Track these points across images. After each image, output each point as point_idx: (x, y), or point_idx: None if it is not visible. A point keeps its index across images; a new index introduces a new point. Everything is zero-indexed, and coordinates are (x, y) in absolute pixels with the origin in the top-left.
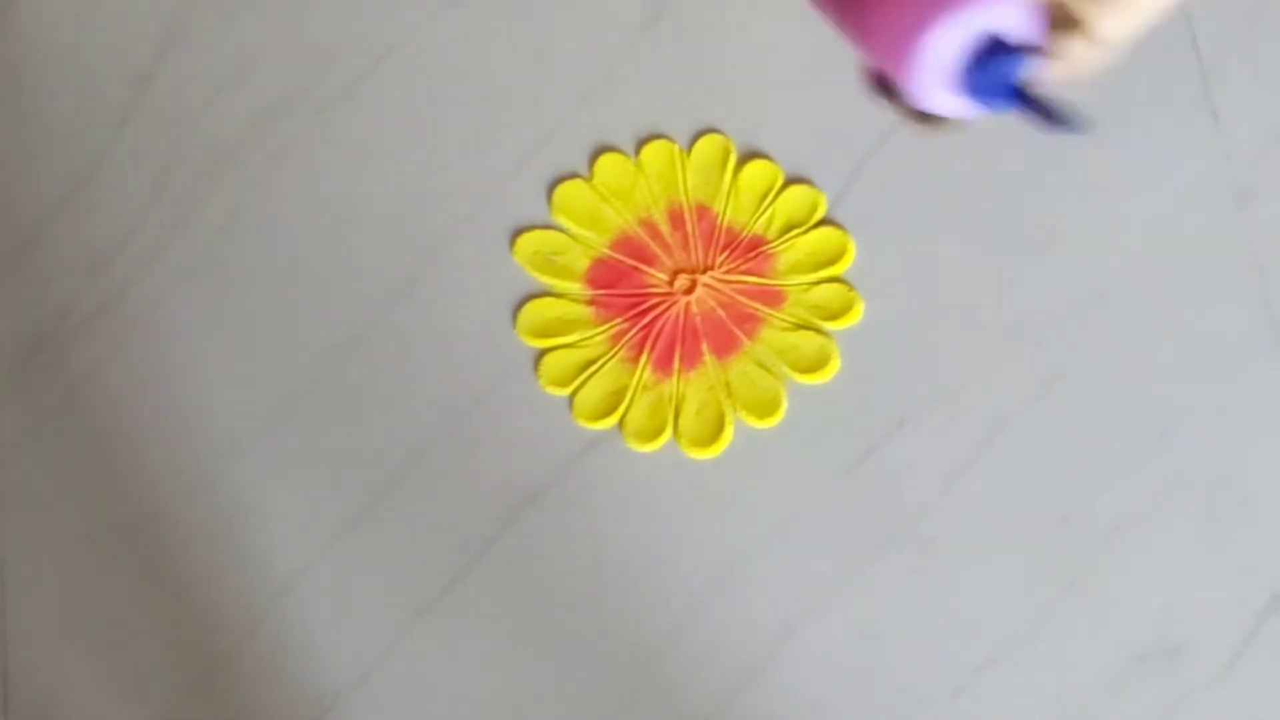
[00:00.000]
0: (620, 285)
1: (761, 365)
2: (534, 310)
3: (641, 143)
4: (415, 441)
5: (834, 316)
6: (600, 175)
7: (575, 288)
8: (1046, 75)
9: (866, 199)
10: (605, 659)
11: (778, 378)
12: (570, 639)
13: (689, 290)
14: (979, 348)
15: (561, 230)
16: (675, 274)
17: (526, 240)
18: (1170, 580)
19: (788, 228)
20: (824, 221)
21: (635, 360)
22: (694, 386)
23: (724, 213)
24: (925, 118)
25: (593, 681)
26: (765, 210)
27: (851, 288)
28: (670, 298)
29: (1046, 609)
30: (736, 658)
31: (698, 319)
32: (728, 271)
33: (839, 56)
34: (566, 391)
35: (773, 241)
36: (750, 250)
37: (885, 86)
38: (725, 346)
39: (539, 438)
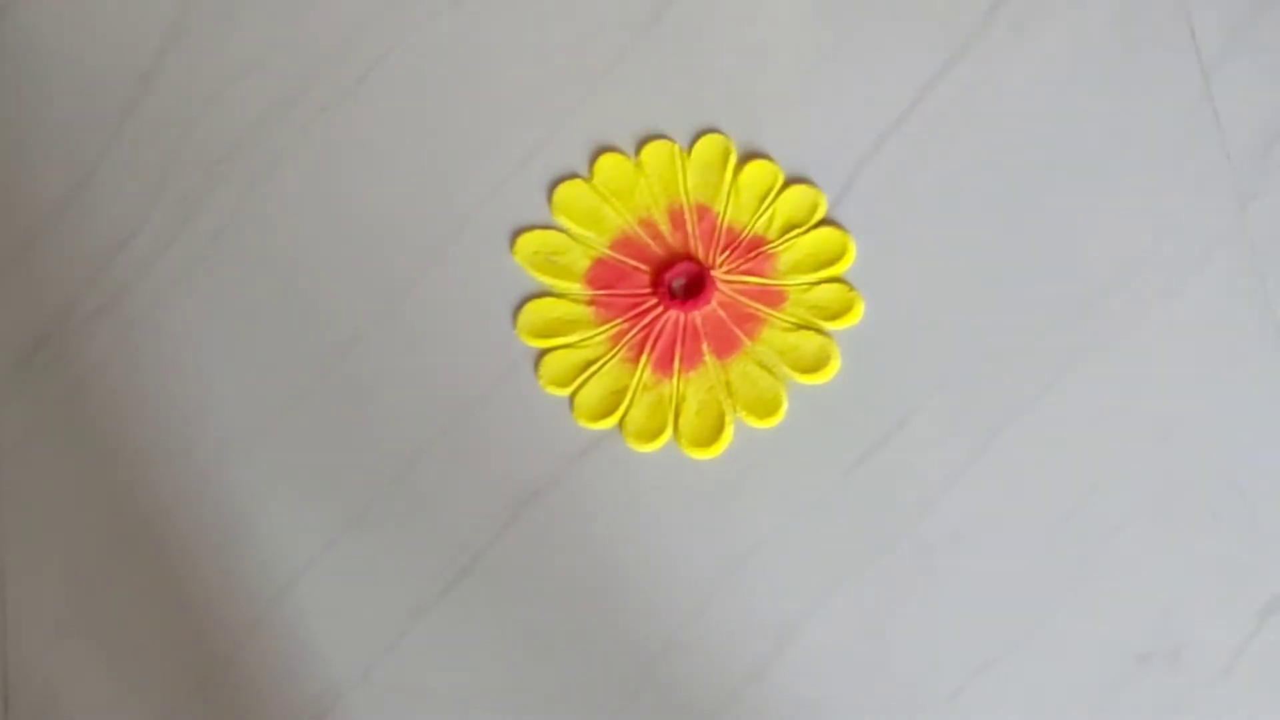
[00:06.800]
0: (621, 285)
1: (762, 365)
2: (534, 310)
3: (641, 143)
4: (415, 441)
5: (834, 316)
6: (600, 175)
7: (575, 288)
8: None
9: (866, 199)
10: (605, 659)
11: (778, 378)
12: (571, 639)
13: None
14: (979, 348)
15: (561, 230)
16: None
17: (526, 240)
18: (1170, 580)
19: (788, 228)
20: (824, 221)
21: (635, 360)
22: (694, 386)
23: (724, 213)
24: None
25: (593, 681)
26: (765, 210)
27: (851, 288)
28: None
29: (1046, 609)
30: (737, 657)
31: (698, 319)
32: (728, 272)
33: (839, 57)
34: (567, 391)
35: (773, 241)
36: (750, 250)
37: None
38: (726, 347)
39: (539, 438)
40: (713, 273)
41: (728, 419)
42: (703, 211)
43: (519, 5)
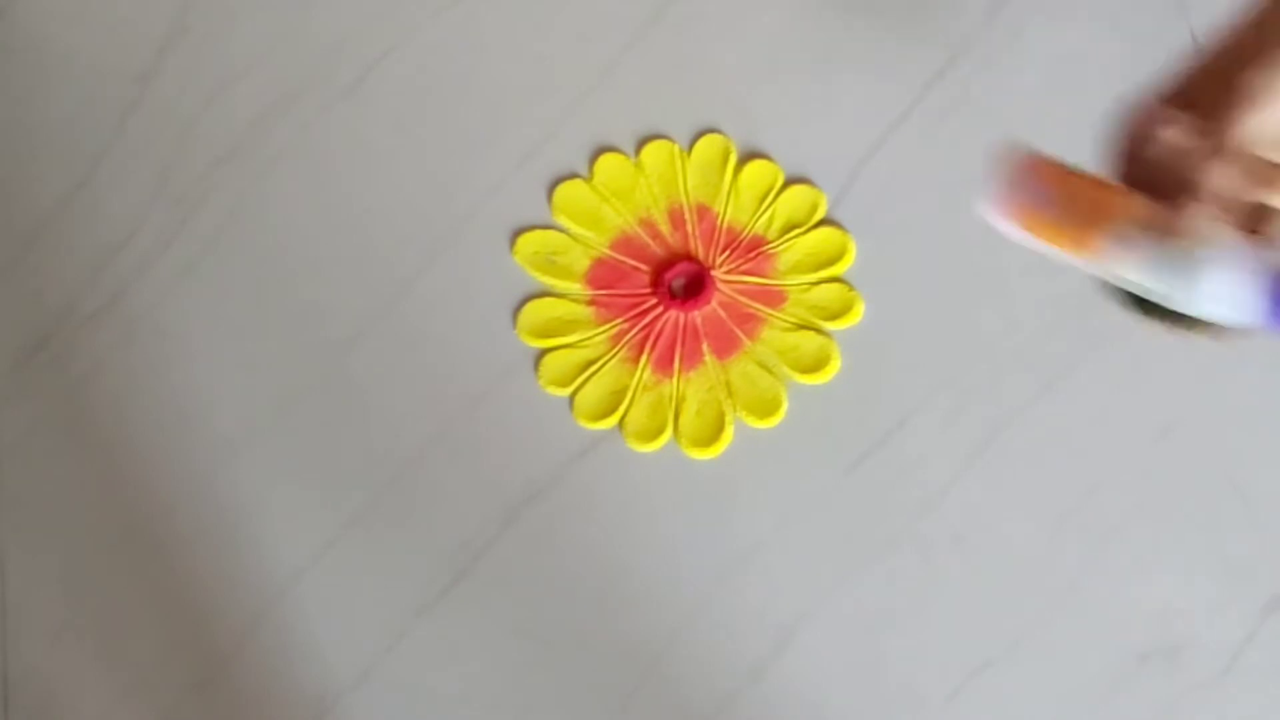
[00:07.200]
0: (620, 285)
1: (762, 365)
2: (534, 310)
3: (641, 143)
4: (415, 441)
5: (834, 316)
6: (600, 175)
7: (575, 288)
8: None
9: (866, 199)
10: (605, 659)
11: (778, 378)
12: (571, 639)
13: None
14: (979, 348)
15: (561, 230)
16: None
17: (526, 240)
18: (1170, 580)
19: (788, 228)
20: (824, 221)
21: (635, 360)
22: (694, 386)
23: (724, 213)
24: (1208, 328)
25: (593, 681)
26: (765, 210)
27: (851, 288)
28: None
29: (1046, 609)
30: (736, 657)
31: (698, 319)
32: (728, 272)
33: (839, 57)
34: (567, 391)
35: (773, 241)
36: (750, 250)
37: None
38: (726, 346)
39: (539, 438)
40: (713, 273)
41: (728, 419)
42: (703, 211)
43: (519, 5)
